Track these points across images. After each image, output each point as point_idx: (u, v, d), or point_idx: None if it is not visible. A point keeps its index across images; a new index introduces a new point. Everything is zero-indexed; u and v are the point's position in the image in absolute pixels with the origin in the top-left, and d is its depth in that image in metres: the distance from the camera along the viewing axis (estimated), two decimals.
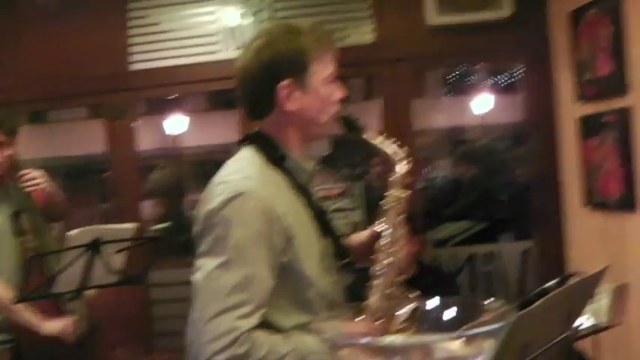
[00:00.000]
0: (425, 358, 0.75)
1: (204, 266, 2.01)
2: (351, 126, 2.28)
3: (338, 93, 2.22)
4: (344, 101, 2.26)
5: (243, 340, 1.94)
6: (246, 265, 1.97)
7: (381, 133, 2.34)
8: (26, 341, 3.90)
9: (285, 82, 2.11)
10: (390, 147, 2.29)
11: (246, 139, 2.24)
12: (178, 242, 9.69)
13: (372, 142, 2.31)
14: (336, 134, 2.34)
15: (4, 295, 3.51)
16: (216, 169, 2.17)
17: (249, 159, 2.15)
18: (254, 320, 1.98)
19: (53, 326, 3.72)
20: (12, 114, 3.95)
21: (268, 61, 2.11)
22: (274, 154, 2.17)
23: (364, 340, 0.77)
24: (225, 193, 2.02)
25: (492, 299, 0.88)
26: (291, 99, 2.12)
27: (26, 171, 3.99)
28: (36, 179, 3.98)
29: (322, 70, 2.16)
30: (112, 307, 4.17)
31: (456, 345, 0.75)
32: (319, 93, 2.16)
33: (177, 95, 8.90)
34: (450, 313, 0.90)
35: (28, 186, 3.97)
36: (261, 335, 1.98)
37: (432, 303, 0.94)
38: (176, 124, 12.52)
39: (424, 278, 4.10)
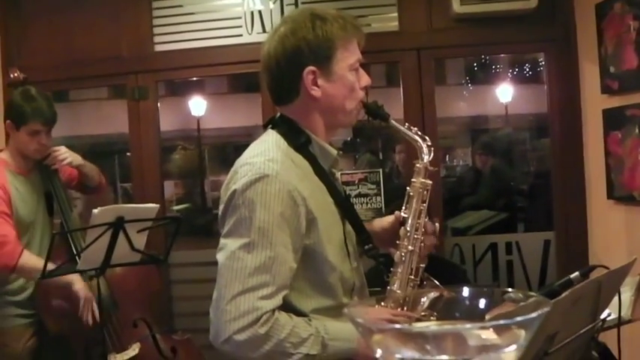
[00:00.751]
0: (457, 345, 0.74)
1: (228, 246, 2.02)
2: (375, 114, 2.28)
3: (363, 80, 2.22)
4: (368, 89, 2.26)
5: (264, 320, 1.95)
6: (269, 247, 1.98)
7: (405, 122, 2.33)
8: (48, 319, 3.98)
9: (309, 69, 2.11)
10: (415, 135, 2.29)
11: (271, 123, 2.24)
12: (198, 223, 9.80)
13: (398, 129, 2.30)
14: (359, 121, 2.34)
15: (38, 265, 3.56)
16: (236, 152, 2.19)
17: (274, 142, 2.16)
18: (276, 301, 1.99)
19: (83, 289, 3.84)
20: (51, 104, 4.00)
21: (293, 48, 2.12)
22: (299, 139, 2.18)
23: (397, 326, 0.76)
24: (249, 174, 2.03)
25: (513, 290, 0.86)
26: (316, 86, 2.13)
27: (49, 150, 4.04)
28: (59, 156, 4.05)
29: (347, 58, 2.16)
30: (134, 285, 4.21)
31: (488, 333, 0.74)
32: (344, 80, 2.16)
33: (199, 78, 8.93)
34: (473, 302, 0.89)
35: (53, 164, 4.05)
36: (283, 317, 2.00)
37: (456, 291, 0.93)
38: (198, 106, 12.54)
39: (433, 269, 4.11)
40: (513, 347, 0.76)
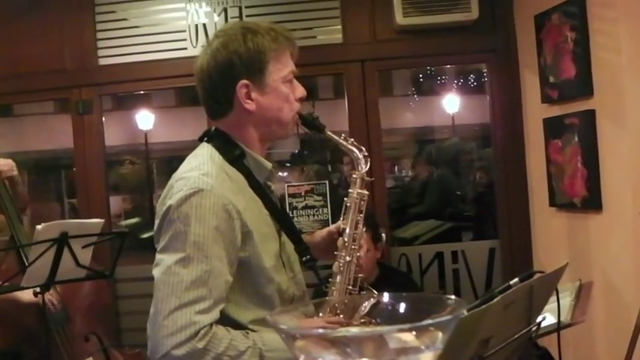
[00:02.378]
0: (378, 348, 0.76)
1: (164, 261, 2.01)
2: (311, 125, 2.29)
3: (298, 92, 2.23)
4: (304, 100, 2.27)
5: (202, 334, 1.95)
6: (205, 261, 1.98)
7: (349, 132, 2.36)
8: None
9: (242, 83, 2.12)
10: (351, 146, 2.31)
11: (206, 136, 2.25)
12: (146, 238, 9.72)
13: (334, 140, 2.32)
14: (299, 133, 2.36)
15: None
16: None
17: (209, 155, 2.16)
18: (213, 315, 1.99)
19: (29, 294, 3.78)
20: None
21: (225, 61, 2.12)
22: (233, 152, 2.18)
23: (318, 331, 0.78)
24: (184, 189, 2.03)
25: (453, 297, 0.89)
26: (250, 99, 2.14)
27: None
28: (6, 167, 4.03)
29: (280, 70, 2.16)
30: (86, 299, 4.20)
31: (409, 336, 0.77)
32: (278, 92, 2.17)
33: (146, 91, 8.87)
34: (409, 308, 0.91)
35: (5, 172, 4.02)
36: (221, 330, 2.00)
37: (392, 298, 0.95)
38: (145, 120, 12.46)
39: (386, 281, 4.16)
40: (432, 348, 0.79)
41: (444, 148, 10.28)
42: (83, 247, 3.63)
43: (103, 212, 4.96)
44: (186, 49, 5.11)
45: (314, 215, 4.91)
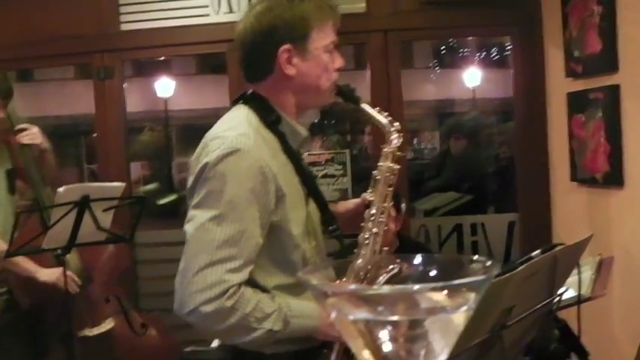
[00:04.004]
0: (410, 308, 0.76)
1: (197, 217, 2.03)
2: (347, 96, 2.30)
3: (337, 62, 2.24)
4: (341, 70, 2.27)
5: (231, 293, 1.97)
6: (238, 221, 1.99)
7: (372, 104, 2.35)
8: (20, 293, 3.98)
9: (285, 47, 2.13)
10: (384, 120, 2.30)
11: (241, 99, 2.25)
12: (164, 204, 9.78)
13: (368, 113, 2.32)
14: (331, 103, 2.36)
15: (1, 246, 3.55)
16: (204, 134, 2.19)
17: (245, 117, 2.17)
18: (243, 275, 2.01)
19: (49, 274, 3.79)
20: (3, 76, 3.97)
21: (269, 25, 2.13)
22: (269, 116, 2.19)
23: (350, 288, 0.78)
24: (221, 148, 2.04)
25: (476, 257, 0.88)
26: (291, 64, 2.14)
27: (25, 126, 4.03)
28: (34, 133, 4.04)
29: (323, 39, 2.18)
30: (107, 261, 4.24)
31: (440, 296, 0.77)
32: (319, 60, 2.18)
33: (166, 58, 8.86)
34: (438, 269, 0.91)
35: (28, 140, 4.03)
36: (249, 291, 2.01)
37: (416, 260, 0.95)
38: (165, 87, 12.46)
39: (404, 252, 4.15)
40: (463, 309, 0.78)
41: (465, 122, 10.22)
42: (104, 211, 3.65)
43: (123, 178, 4.96)
44: (208, 15, 5.07)
45: (333, 184, 4.92)
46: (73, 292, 3.88)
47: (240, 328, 2.01)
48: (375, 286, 0.81)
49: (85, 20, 5.11)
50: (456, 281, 0.76)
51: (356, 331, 0.79)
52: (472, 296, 0.77)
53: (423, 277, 0.90)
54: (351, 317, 0.78)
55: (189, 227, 2.06)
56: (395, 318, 0.76)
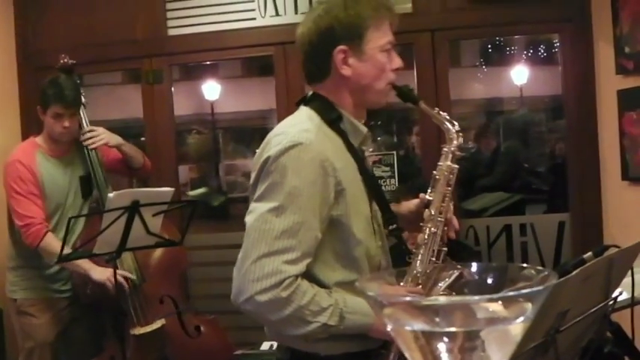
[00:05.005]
0: (466, 318, 0.76)
1: (257, 209, 2.06)
2: (405, 96, 2.31)
3: (395, 62, 2.25)
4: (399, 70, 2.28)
5: (287, 284, 1.99)
6: (298, 213, 2.01)
7: (434, 107, 2.35)
8: (79, 290, 4.16)
9: (340, 48, 2.16)
10: (444, 120, 2.30)
11: (304, 100, 2.28)
12: (213, 207, 9.84)
13: (428, 113, 2.32)
14: (389, 103, 2.37)
15: (58, 250, 3.64)
16: (251, 136, 2.23)
17: (307, 116, 2.22)
18: (300, 267, 2.02)
19: (101, 273, 3.92)
20: (74, 88, 4.11)
21: (326, 26, 2.17)
22: (331, 114, 2.22)
23: (407, 299, 0.78)
24: (283, 142, 2.07)
25: (540, 267, 0.88)
26: (347, 65, 2.15)
27: (86, 129, 4.18)
28: (95, 136, 4.16)
29: (379, 38, 2.20)
30: (163, 262, 4.34)
31: (497, 306, 0.76)
32: (375, 60, 2.20)
33: (213, 61, 8.91)
34: (494, 278, 0.90)
35: (91, 143, 4.15)
36: (305, 284, 2.03)
37: (473, 269, 0.94)
38: (212, 90, 12.53)
39: (452, 255, 4.13)
40: (520, 319, 0.77)
41: (513, 120, 10.13)
42: (153, 215, 3.69)
43: (172, 181, 5.02)
44: (255, 19, 5.10)
45: (381, 186, 4.90)
46: (125, 291, 3.97)
47: (295, 320, 2.03)
48: (431, 297, 0.81)
49: (134, 26, 5.18)
50: (514, 292, 0.75)
51: (413, 342, 0.78)
52: (529, 306, 0.76)
53: (479, 286, 0.90)
54: (408, 328, 0.77)
55: (249, 219, 2.09)
56: (452, 329, 0.75)
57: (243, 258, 2.05)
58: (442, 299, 0.77)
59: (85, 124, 4.25)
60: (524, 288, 0.83)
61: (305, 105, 2.27)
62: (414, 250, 2.24)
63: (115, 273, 3.76)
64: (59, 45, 5.10)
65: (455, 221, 2.33)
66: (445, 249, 2.26)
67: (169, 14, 5.20)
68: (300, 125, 2.14)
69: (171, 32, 5.21)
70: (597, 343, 2.06)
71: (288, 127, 2.17)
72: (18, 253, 4.20)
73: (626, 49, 4.30)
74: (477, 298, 0.76)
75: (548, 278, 0.81)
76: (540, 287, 0.77)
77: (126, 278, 4.04)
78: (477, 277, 0.91)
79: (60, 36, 5.18)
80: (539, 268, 0.86)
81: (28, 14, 5.24)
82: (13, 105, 4.82)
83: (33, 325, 4.17)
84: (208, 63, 8.81)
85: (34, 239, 3.96)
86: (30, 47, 5.24)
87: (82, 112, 4.26)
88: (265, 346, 3.99)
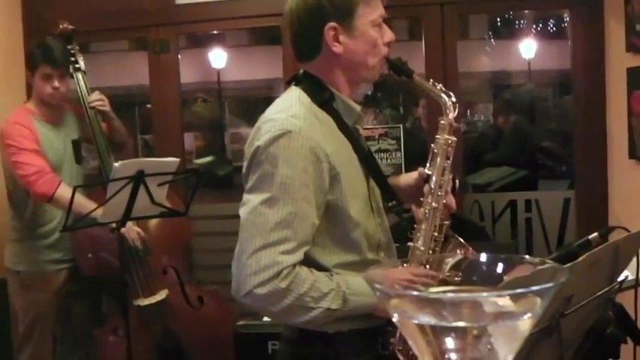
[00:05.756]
0: (474, 312, 0.75)
1: (250, 201, 2.05)
2: (399, 70, 2.27)
3: (386, 36, 2.21)
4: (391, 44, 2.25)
5: (285, 274, 1.98)
6: (291, 203, 2.00)
7: (427, 76, 2.32)
8: (83, 259, 4.16)
9: (330, 25, 2.12)
10: (439, 92, 2.28)
11: (294, 80, 2.24)
12: (218, 176, 9.85)
13: (422, 86, 2.30)
14: (382, 75, 2.34)
15: (67, 196, 3.62)
16: (257, 105, 2.21)
17: (297, 98, 2.17)
18: (297, 256, 2.01)
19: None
20: (62, 48, 4.07)
21: (314, 3, 2.12)
22: (322, 95, 2.19)
23: (414, 293, 0.77)
24: (272, 130, 2.04)
25: (550, 261, 0.87)
26: (338, 42, 2.12)
27: (96, 93, 4.23)
28: (100, 102, 4.16)
29: (369, 14, 2.16)
30: (167, 234, 4.37)
31: (504, 300, 0.75)
32: (366, 36, 2.16)
33: (220, 30, 8.88)
34: (491, 267, 0.89)
35: (101, 105, 4.13)
36: (304, 271, 2.02)
37: (486, 258, 0.93)
38: (218, 58, 12.48)
39: (456, 231, 4.12)
40: (529, 315, 0.77)
41: (520, 94, 10.07)
42: (159, 185, 3.69)
43: (177, 149, 5.02)
44: None
45: (387, 159, 4.88)
46: (135, 245, 4.02)
47: (297, 309, 2.02)
48: (439, 290, 0.80)
49: None
50: (524, 289, 0.75)
51: (418, 334, 0.78)
52: (538, 301, 0.76)
53: (488, 275, 0.89)
54: (415, 321, 0.77)
55: (242, 212, 2.07)
56: (460, 324, 0.75)
57: (240, 253, 2.04)
58: (450, 293, 0.77)
59: (85, 90, 4.21)
60: (531, 280, 0.82)
61: (296, 85, 2.23)
62: (415, 226, 2.23)
63: (118, 233, 3.78)
64: (66, 13, 5.07)
65: (451, 201, 2.30)
66: (447, 223, 2.25)
67: None
68: (289, 110, 2.10)
69: (179, 1, 5.17)
70: (600, 324, 2.06)
71: (277, 112, 2.13)
72: (20, 224, 4.17)
73: (637, 27, 4.26)
74: (485, 293, 0.75)
75: (558, 273, 0.80)
76: (551, 284, 0.77)
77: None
78: (484, 268, 0.91)
79: (67, 4, 5.14)
80: (546, 260, 0.85)
81: None
82: (19, 74, 4.79)
83: (36, 298, 4.16)
84: (216, 32, 8.78)
85: (48, 188, 3.87)
86: (37, 16, 5.20)
87: (81, 77, 4.22)
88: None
